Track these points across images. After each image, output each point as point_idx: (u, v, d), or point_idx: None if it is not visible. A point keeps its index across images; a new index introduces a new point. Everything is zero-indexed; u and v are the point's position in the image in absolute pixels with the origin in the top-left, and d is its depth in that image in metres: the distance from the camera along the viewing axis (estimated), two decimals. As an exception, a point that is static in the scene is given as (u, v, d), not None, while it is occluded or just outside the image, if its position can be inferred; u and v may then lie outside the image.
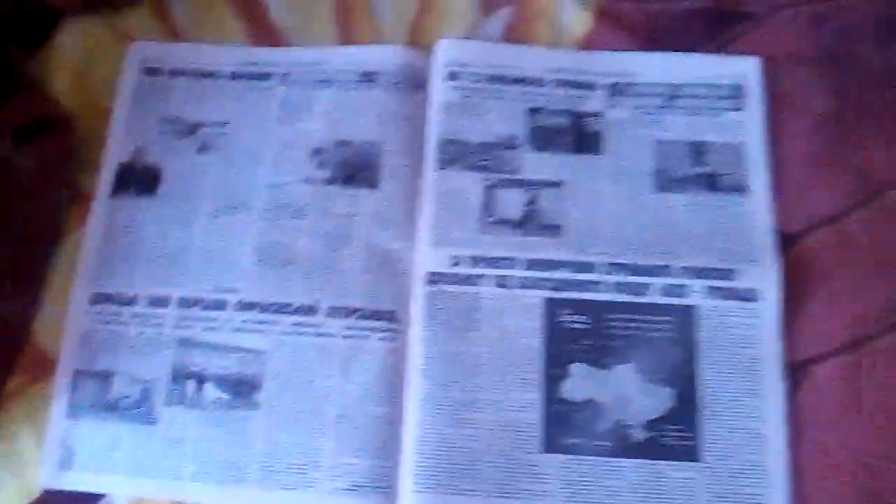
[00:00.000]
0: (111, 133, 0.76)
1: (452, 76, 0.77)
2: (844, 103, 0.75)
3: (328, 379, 0.68)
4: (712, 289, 0.69)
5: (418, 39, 0.79)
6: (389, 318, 0.69)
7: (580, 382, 0.67)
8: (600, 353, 0.68)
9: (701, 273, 0.69)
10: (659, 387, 0.67)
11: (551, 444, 0.66)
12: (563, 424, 0.66)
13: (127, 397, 0.68)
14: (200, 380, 0.68)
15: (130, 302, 0.71)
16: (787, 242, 0.71)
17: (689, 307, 0.69)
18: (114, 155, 0.76)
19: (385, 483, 0.65)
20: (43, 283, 0.72)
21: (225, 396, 0.68)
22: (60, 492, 0.67)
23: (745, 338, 0.68)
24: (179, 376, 0.68)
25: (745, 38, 0.78)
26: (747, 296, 0.69)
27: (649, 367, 0.67)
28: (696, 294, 0.69)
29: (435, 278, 0.70)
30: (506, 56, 0.78)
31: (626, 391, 0.67)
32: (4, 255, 0.71)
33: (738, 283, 0.69)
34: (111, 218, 0.73)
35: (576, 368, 0.67)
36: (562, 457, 0.65)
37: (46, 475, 0.67)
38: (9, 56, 0.76)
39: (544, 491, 0.65)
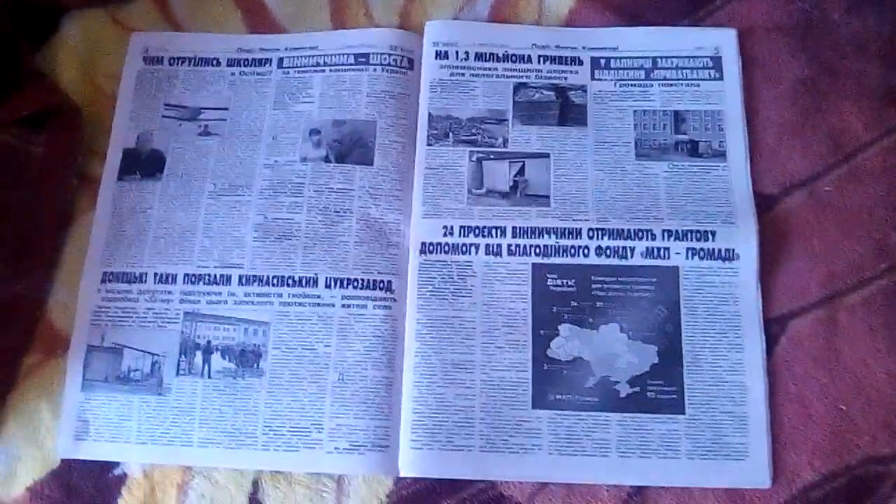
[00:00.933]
0: (116, 120, 0.80)
1: (441, 55, 0.80)
2: (818, 70, 0.78)
3: (328, 346, 0.71)
4: (693, 250, 0.72)
5: (408, 23, 0.82)
6: (385, 287, 0.72)
7: (568, 342, 0.70)
8: (587, 314, 0.71)
9: (682, 235, 0.72)
10: (643, 344, 0.70)
11: (540, 401, 0.69)
12: (551, 382, 0.69)
13: (137, 370, 0.71)
14: (207, 351, 0.71)
15: (138, 279, 0.74)
16: (765, 204, 0.74)
17: (671, 268, 0.71)
18: (119, 141, 0.79)
19: (384, 442, 0.68)
20: (54, 264, 0.75)
21: (231, 366, 0.71)
22: (77, 461, 0.70)
23: (726, 295, 0.70)
24: (187, 348, 0.72)
25: (722, 11, 0.81)
26: (727, 256, 0.71)
27: (634, 326, 0.70)
28: (678, 255, 0.72)
29: (427, 248, 0.73)
30: (492, 34, 0.81)
31: (612, 349, 0.70)
32: (17, 238, 0.74)
33: (717, 244, 0.72)
34: (118, 201, 0.77)
35: (563, 329, 0.70)
36: (550, 412, 0.68)
37: (63, 446, 0.70)
38: (17, 49, 0.79)
39: (534, 445, 0.68)
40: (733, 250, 0.71)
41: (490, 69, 0.79)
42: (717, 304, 0.70)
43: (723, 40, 0.79)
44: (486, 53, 0.80)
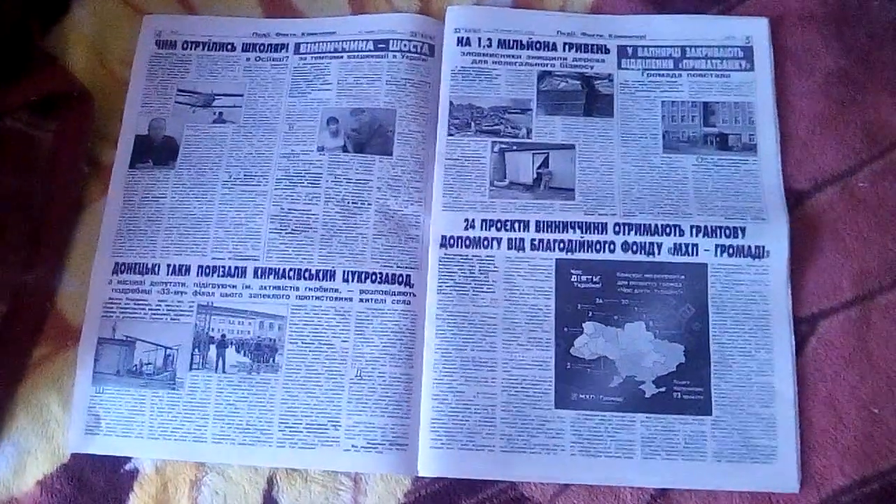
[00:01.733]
0: (128, 106, 0.78)
1: (463, 42, 0.78)
2: (852, 61, 0.75)
3: (345, 341, 0.69)
4: (722, 247, 0.70)
5: (429, 8, 0.80)
6: (404, 281, 0.71)
7: (592, 340, 0.68)
8: (612, 312, 0.69)
9: (711, 232, 0.70)
10: (670, 343, 0.68)
11: (563, 401, 0.67)
12: (575, 381, 0.67)
13: (150, 364, 0.70)
14: (221, 345, 0.70)
15: (151, 271, 0.72)
16: (796, 200, 0.72)
17: (699, 265, 0.69)
18: (131, 127, 0.77)
19: (402, 441, 0.67)
20: (65, 253, 0.74)
21: (245, 360, 0.69)
22: (88, 455, 0.69)
23: (755, 294, 0.69)
24: (201, 342, 0.70)
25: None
26: (757, 253, 0.69)
27: (660, 325, 0.68)
28: (707, 252, 0.70)
29: (448, 241, 0.71)
30: (516, 21, 0.78)
31: (637, 348, 0.68)
32: (26, 227, 0.72)
33: (747, 241, 0.70)
34: (130, 189, 0.75)
35: (588, 327, 0.69)
36: (573, 412, 0.67)
37: (74, 440, 0.69)
38: (27, 32, 0.77)
39: (557, 445, 0.66)
40: (763, 247, 0.69)
41: (513, 57, 0.77)
42: (745, 302, 0.69)
43: (754, 30, 0.76)
44: (509, 40, 0.78)
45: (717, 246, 0.70)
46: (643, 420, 0.67)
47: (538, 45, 0.77)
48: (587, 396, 0.67)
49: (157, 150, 0.76)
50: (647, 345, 0.68)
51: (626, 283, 0.69)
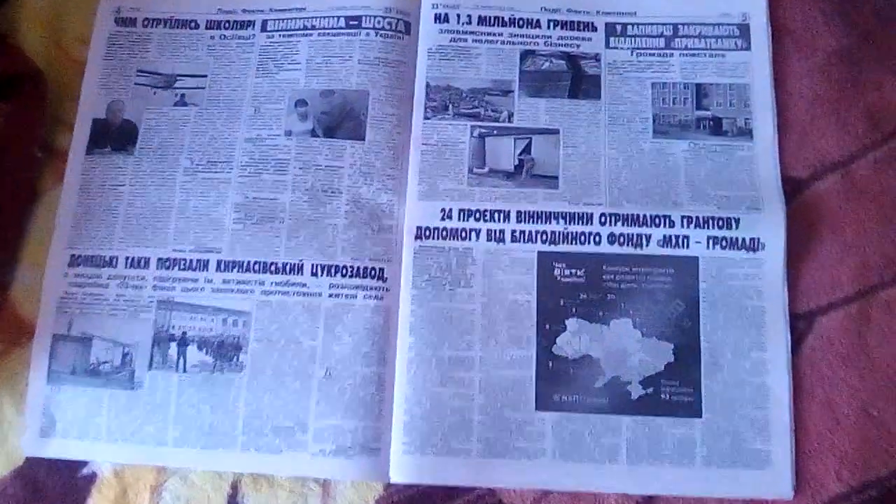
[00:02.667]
0: (85, 87, 0.73)
1: (441, 18, 0.73)
2: (856, 40, 0.71)
3: (314, 339, 0.65)
4: (714, 239, 0.66)
5: (405, -18, 0.76)
6: (377, 275, 0.67)
7: (576, 338, 0.65)
8: (597, 308, 0.65)
9: (703, 223, 0.66)
10: (658, 341, 0.64)
11: (545, 402, 0.64)
12: (557, 381, 0.64)
13: (107, 362, 0.66)
14: (182, 342, 0.66)
15: (109, 263, 0.68)
16: (794, 188, 0.68)
17: (690, 258, 0.66)
18: (88, 110, 0.73)
19: (374, 444, 0.63)
20: (18, 245, 0.70)
21: (208, 359, 0.66)
22: (44, 459, 0.65)
23: (749, 288, 0.65)
24: (161, 339, 0.66)
25: (750, -27, 0.74)
26: (751, 245, 0.66)
27: (648, 321, 0.65)
28: (698, 245, 0.66)
29: (423, 233, 0.67)
30: (497, -4, 0.74)
31: (623, 346, 0.64)
32: (-23, 217, 0.68)
33: (741, 233, 0.66)
34: (87, 176, 0.71)
35: (571, 324, 0.65)
36: (555, 414, 0.63)
37: (28, 443, 0.65)
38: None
39: (538, 449, 0.63)
40: (758, 240, 0.66)
41: (495, 35, 0.73)
42: (739, 298, 0.65)
43: (751, 6, 0.72)
44: (490, 17, 0.73)
45: (709, 238, 0.66)
46: (629, 423, 0.63)
47: (521, 23, 0.73)
48: (570, 398, 0.64)
49: (115, 135, 0.71)
50: (633, 343, 0.64)
51: (613, 277, 0.66)
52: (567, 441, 0.63)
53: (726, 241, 0.66)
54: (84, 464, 0.65)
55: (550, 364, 0.64)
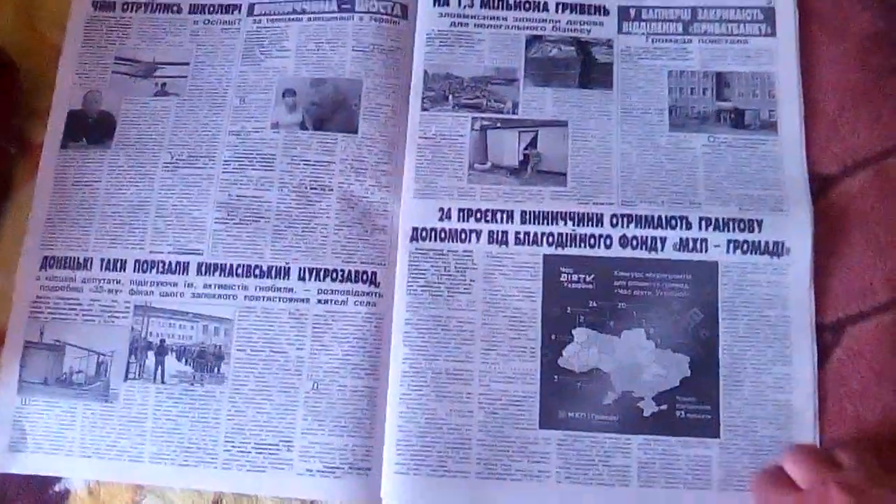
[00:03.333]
0: (60, 76, 0.69)
1: (441, 2, 0.69)
2: (891, 25, 0.66)
3: (301, 349, 0.61)
4: (735, 242, 0.61)
5: (403, -39, 0.71)
6: (369, 279, 0.62)
7: (583, 350, 0.60)
8: (607, 317, 0.60)
9: (723, 225, 0.61)
10: (673, 354, 0.60)
11: (549, 420, 0.59)
12: (563, 397, 0.59)
13: (81, 371, 0.62)
14: (160, 351, 0.62)
15: (83, 266, 0.64)
16: (822, 186, 0.63)
17: (708, 263, 0.61)
18: (63, 100, 0.69)
19: (364, 464, 0.59)
20: (-12, 245, 0.66)
21: (187, 370, 0.61)
22: (12, 475, 0.62)
23: (772, 297, 0.60)
24: (138, 348, 0.62)
25: (776, -49, 0.69)
26: (775, 250, 0.61)
27: (663, 332, 0.60)
28: (717, 248, 0.61)
29: (420, 234, 0.63)
30: (502, -23, 0.69)
31: (635, 359, 0.60)
32: (-57, 216, 0.64)
33: (764, 236, 0.61)
34: (62, 172, 0.67)
35: (579, 334, 0.60)
36: (561, 433, 0.59)
37: (-3, 457, 0.62)
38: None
39: (541, 471, 0.58)
40: (783, 244, 0.61)
41: (499, 19, 0.68)
42: (761, 307, 0.60)
43: (777, -13, 0.67)
44: (493, 0, 0.68)
45: (729, 241, 0.61)
46: (641, 443, 0.58)
47: (527, 6, 0.68)
48: (577, 415, 0.59)
49: (91, 127, 0.67)
50: (646, 355, 0.60)
51: (624, 283, 0.61)
52: (573, 462, 0.58)
53: (748, 245, 0.61)
54: (56, 480, 0.62)
55: (555, 378, 0.60)
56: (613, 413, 0.59)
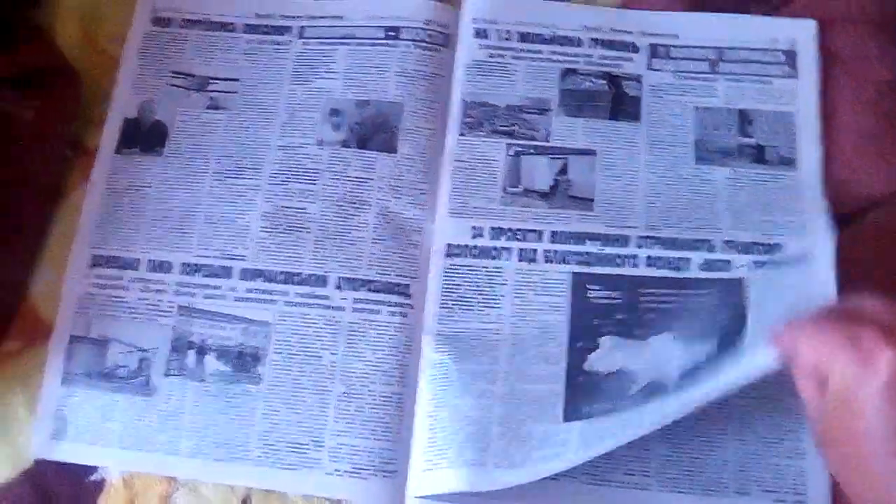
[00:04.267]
0: (118, 86, 0.72)
1: (481, 33, 0.72)
2: (909, 72, 0.68)
3: (334, 354, 0.63)
4: (759, 263, 0.63)
5: (446, -6, 0.74)
6: (402, 291, 0.65)
7: (609, 354, 0.62)
8: (634, 326, 0.62)
9: (745, 248, 0.64)
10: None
11: (573, 413, 0.60)
12: (588, 393, 0.61)
13: (124, 366, 0.64)
14: (201, 350, 0.64)
15: (131, 266, 0.67)
16: (839, 224, 0.64)
17: (733, 280, 0.63)
18: (120, 109, 0.72)
19: (390, 467, 0.61)
20: (42, 243, 0.69)
21: (226, 369, 0.64)
22: (53, 462, 0.64)
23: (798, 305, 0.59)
24: (179, 346, 0.64)
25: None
26: (799, 262, 0.63)
27: (690, 335, 0.61)
28: (742, 268, 0.63)
29: (453, 251, 0.66)
30: (539, 13, 0.72)
31: (663, 358, 0.61)
32: (1, 214, 0.67)
33: (787, 252, 0.63)
34: (114, 176, 0.70)
35: (605, 342, 0.62)
36: (582, 423, 0.59)
37: (38, 445, 0.64)
38: (13, 1, 0.72)
39: (557, 454, 0.58)
40: (806, 255, 0.62)
41: (535, 52, 0.71)
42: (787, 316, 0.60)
43: (800, 32, 0.70)
44: (531, 34, 0.72)
45: (753, 262, 0.63)
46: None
47: (562, 41, 0.71)
48: (600, 406, 0.60)
49: (145, 136, 0.71)
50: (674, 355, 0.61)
51: (651, 298, 0.63)
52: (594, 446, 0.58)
53: (772, 264, 0.63)
54: (93, 469, 0.64)
55: (580, 379, 0.61)
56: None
